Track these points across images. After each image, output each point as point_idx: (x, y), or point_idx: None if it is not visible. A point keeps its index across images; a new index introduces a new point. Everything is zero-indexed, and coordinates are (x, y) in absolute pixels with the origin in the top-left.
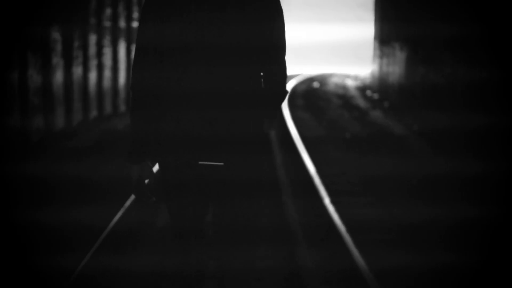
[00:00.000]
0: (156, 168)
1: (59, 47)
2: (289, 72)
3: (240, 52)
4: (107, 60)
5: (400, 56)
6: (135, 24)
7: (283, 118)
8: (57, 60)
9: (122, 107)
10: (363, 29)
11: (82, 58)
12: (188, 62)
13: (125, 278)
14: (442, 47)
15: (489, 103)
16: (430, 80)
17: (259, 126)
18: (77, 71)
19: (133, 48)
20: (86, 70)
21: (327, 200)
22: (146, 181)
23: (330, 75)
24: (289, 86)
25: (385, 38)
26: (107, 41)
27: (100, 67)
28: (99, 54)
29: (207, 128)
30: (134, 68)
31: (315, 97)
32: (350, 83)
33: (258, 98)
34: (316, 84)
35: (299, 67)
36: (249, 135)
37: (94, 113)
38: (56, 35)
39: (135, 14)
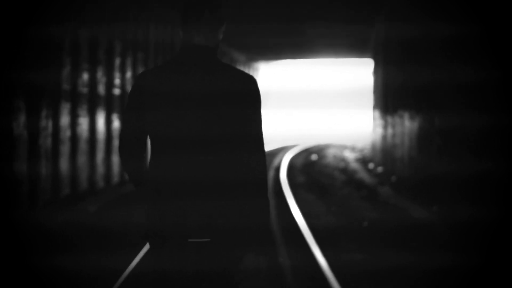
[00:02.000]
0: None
1: (22, 116)
2: (285, 143)
3: (226, 145)
4: (83, 131)
5: (410, 126)
6: (116, 91)
7: (286, 201)
8: (20, 131)
9: (101, 183)
10: (361, 98)
11: (52, 128)
12: (176, 151)
13: None
14: (464, 113)
15: None
16: (449, 153)
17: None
18: (46, 143)
19: (114, 118)
20: (56, 142)
21: None
22: None
23: (327, 146)
24: (287, 159)
25: (389, 107)
26: (83, 110)
27: (74, 139)
28: (73, 124)
29: (197, 214)
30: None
31: (316, 172)
32: (349, 154)
33: (244, 186)
34: (314, 157)
35: (295, 138)
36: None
37: (66, 191)
38: (19, 102)
39: (117, 81)
